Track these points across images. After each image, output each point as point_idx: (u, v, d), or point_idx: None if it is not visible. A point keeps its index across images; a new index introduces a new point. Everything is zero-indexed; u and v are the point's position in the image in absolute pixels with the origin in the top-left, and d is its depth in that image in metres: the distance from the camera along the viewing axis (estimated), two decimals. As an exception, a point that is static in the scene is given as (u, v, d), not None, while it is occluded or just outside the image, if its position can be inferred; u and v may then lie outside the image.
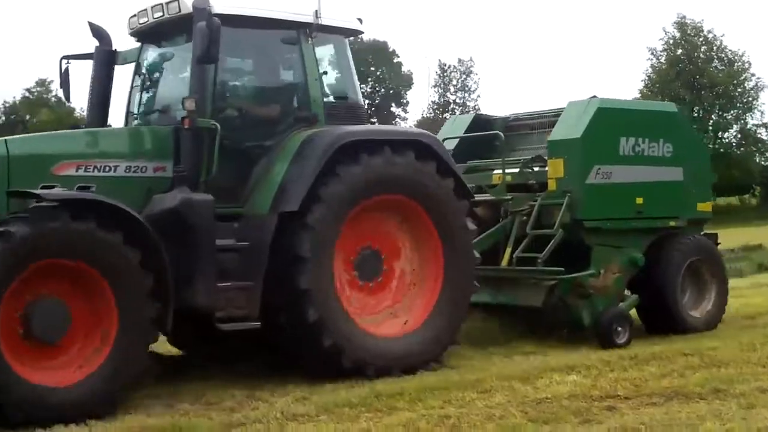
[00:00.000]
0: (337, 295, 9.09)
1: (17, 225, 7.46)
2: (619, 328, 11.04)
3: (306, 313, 8.77)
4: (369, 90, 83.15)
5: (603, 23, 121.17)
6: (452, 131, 13.27)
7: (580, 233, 11.42)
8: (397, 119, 76.50)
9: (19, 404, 7.29)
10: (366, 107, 10.14)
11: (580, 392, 8.30)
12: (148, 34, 9.83)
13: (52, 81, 63.40)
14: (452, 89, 79.34)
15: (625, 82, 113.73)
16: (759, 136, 64.73)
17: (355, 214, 9.25)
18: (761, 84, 63.66)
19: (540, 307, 11.14)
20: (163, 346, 10.30)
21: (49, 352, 7.72)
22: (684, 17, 64.67)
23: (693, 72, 62.63)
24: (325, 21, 9.69)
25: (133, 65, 10.09)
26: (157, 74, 9.87)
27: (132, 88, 10.01)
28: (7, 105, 66.63)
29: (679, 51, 64.02)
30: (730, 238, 20.36)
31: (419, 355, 9.39)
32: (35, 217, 7.59)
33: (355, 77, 10.21)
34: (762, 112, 64.33)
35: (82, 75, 10.37)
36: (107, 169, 8.70)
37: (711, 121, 62.84)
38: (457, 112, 67.39)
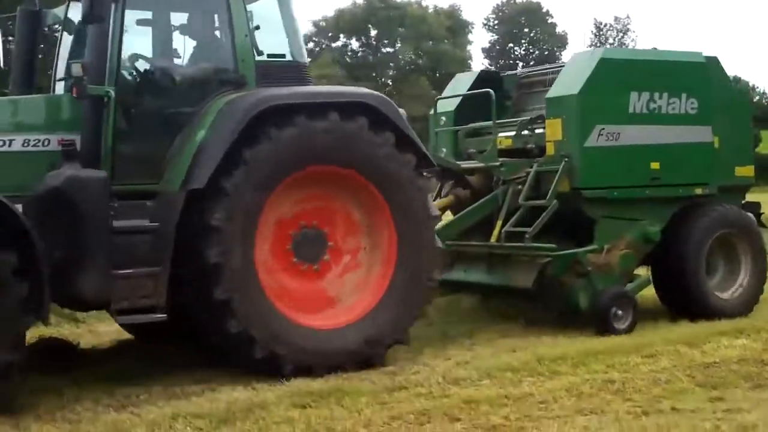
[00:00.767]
0: (256, 275, 7.91)
1: None
2: (620, 312, 9.61)
3: (212, 291, 7.66)
4: (522, 52, 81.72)
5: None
6: (454, 90, 11.90)
7: (580, 204, 9.97)
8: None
9: None
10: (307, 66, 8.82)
11: (750, 356, 8.20)
12: None
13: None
14: (609, 48, 76.79)
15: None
16: None
17: (288, 185, 8.08)
18: None
19: (530, 289, 9.77)
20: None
21: None
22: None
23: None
24: None
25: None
26: (81, 35, 8.85)
27: (58, 50, 9.06)
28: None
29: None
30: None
31: (353, 354, 8.16)
32: None
33: (299, 33, 8.98)
34: None
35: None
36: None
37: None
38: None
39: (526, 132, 10.64)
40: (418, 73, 70.50)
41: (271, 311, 7.95)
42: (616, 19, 76.77)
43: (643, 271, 10.69)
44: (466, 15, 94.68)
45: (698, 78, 10.57)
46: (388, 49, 74.48)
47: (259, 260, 8.00)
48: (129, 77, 8.19)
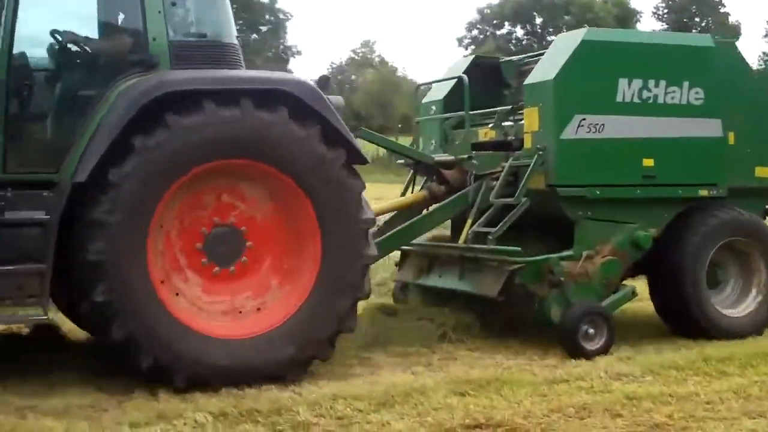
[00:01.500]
0: (147, 276, 7.13)
1: None
2: (590, 330, 8.44)
3: (93, 290, 6.93)
4: (692, 41, 79.34)
5: None
6: (450, 77, 10.86)
7: (557, 204, 8.86)
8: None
9: None
10: (239, 47, 7.94)
11: None
12: None
13: (375, 42, 65.80)
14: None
15: None
16: None
17: (194, 177, 7.27)
18: None
19: (496, 299, 8.73)
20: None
21: None
22: None
23: None
24: None
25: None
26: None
27: None
28: (334, 66, 69.04)
29: None
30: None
31: (259, 369, 7.25)
32: None
33: (228, 10, 8.15)
34: None
35: None
36: None
37: None
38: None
39: (508, 123, 9.57)
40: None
41: (164, 317, 7.15)
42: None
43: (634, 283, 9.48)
44: (634, 3, 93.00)
45: (705, 64, 9.29)
46: (553, 37, 73.21)
47: (153, 260, 7.22)
48: (23, 59, 7.50)
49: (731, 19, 75.18)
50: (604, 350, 8.42)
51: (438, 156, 9.80)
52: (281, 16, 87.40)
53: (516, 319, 9.29)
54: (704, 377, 7.55)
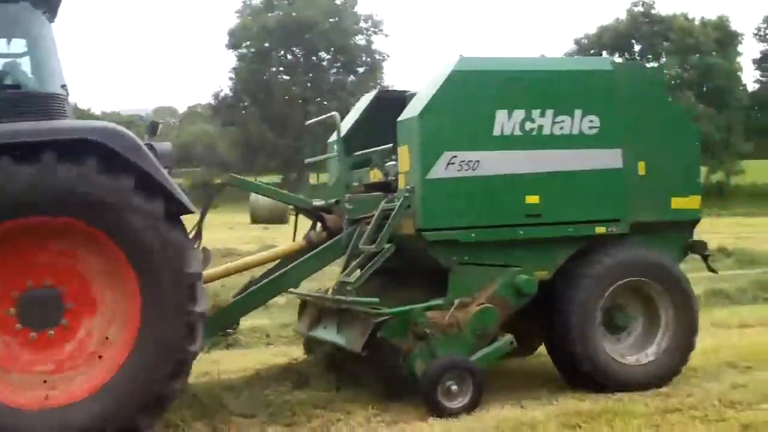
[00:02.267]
0: None
1: None
2: (454, 387, 7.70)
3: None
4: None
5: None
6: (354, 113, 10.26)
7: (428, 250, 8.14)
8: None
9: None
10: (65, 97, 7.49)
11: None
12: None
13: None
14: None
15: None
16: None
17: None
18: None
19: (360, 354, 8.06)
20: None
21: None
22: None
23: None
24: None
25: None
26: None
27: None
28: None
29: None
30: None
31: None
32: None
33: (49, 59, 7.67)
34: None
35: None
36: None
37: None
38: None
39: (392, 162, 8.91)
40: (683, 87, 68.64)
41: None
42: None
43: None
44: (735, 25, 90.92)
45: (600, 90, 8.47)
46: (653, 64, 72.21)
47: None
48: None
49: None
50: (470, 408, 7.66)
51: (316, 201, 9.20)
52: (377, 56, 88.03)
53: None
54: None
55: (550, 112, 8.26)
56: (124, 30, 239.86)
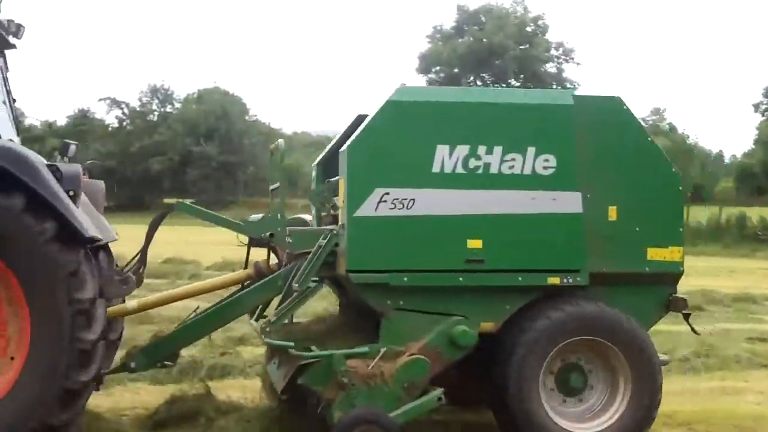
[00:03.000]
0: None
1: None
2: (360, 442, 7.16)
3: None
4: None
5: None
6: (336, 137, 9.75)
7: (358, 292, 7.66)
8: None
9: None
10: None
11: None
12: None
13: (665, 109, 64.42)
14: None
15: None
16: None
17: None
18: None
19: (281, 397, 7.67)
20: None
21: None
22: None
23: None
24: None
25: None
26: None
27: None
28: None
29: None
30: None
31: None
32: None
33: None
34: None
35: None
36: None
37: None
38: None
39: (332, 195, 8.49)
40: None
41: None
42: None
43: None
44: None
45: (559, 127, 7.72)
46: None
47: None
48: None
49: None
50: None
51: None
52: (568, 85, 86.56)
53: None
54: None
55: (498, 150, 7.59)
56: (320, 52, 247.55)
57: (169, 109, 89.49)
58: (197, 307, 8.56)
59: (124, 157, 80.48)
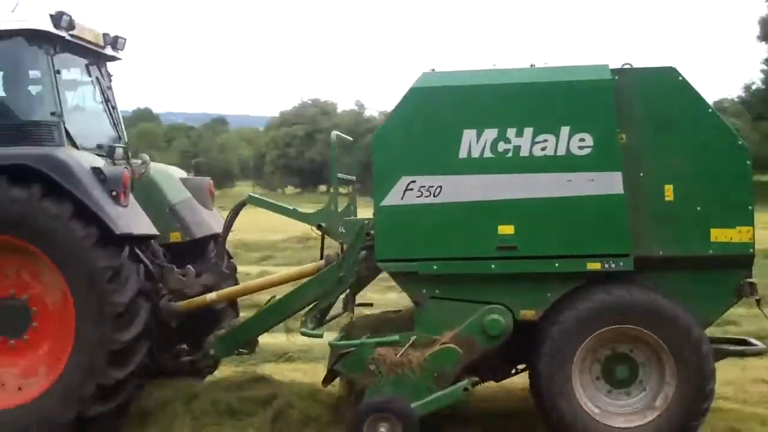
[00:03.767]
0: None
1: None
2: (382, 429, 7.15)
3: None
4: None
5: None
6: None
7: (396, 281, 7.66)
8: None
9: None
10: (56, 124, 7.99)
11: None
12: None
13: None
14: None
15: None
16: None
17: None
18: None
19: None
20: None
21: None
22: None
23: None
24: None
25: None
26: None
27: None
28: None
29: None
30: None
31: None
32: None
33: (19, 90, 8.25)
34: None
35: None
36: None
37: None
38: None
39: None
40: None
41: None
42: None
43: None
44: None
45: (595, 104, 7.21)
46: None
47: None
48: None
49: None
50: (395, 455, 7.08)
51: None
52: None
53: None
54: None
55: (528, 131, 7.23)
56: None
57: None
58: (273, 296, 8.77)
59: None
